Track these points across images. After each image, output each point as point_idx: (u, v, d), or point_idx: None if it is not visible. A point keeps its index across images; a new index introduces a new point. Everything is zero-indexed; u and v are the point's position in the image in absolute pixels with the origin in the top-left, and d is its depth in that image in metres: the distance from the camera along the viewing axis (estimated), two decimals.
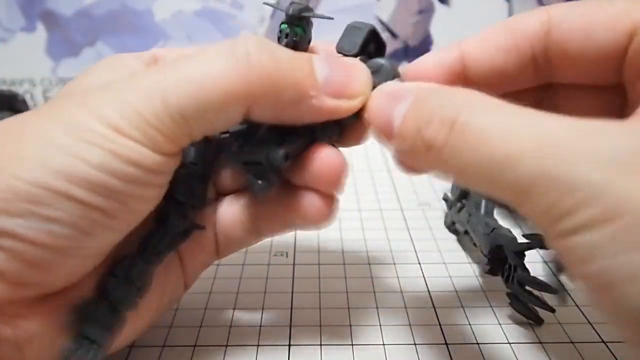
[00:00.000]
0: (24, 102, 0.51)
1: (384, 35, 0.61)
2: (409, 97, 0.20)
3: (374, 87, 0.22)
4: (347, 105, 0.21)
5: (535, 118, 0.17)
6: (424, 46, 0.61)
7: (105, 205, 0.19)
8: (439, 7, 0.60)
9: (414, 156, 0.20)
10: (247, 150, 0.22)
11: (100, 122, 0.19)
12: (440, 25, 0.60)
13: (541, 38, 0.21)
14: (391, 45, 0.61)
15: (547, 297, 0.27)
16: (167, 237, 0.23)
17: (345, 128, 0.23)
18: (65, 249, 0.19)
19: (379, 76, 0.22)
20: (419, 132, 0.19)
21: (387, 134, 0.20)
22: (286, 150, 0.21)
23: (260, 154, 0.22)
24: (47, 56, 0.61)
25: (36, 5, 0.59)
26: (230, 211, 0.25)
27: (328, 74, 0.20)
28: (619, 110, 0.22)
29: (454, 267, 0.32)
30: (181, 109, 0.19)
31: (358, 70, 0.21)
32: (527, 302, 0.27)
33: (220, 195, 0.26)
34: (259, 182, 0.22)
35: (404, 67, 0.23)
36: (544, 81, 0.23)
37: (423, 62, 0.23)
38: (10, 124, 0.20)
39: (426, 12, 0.60)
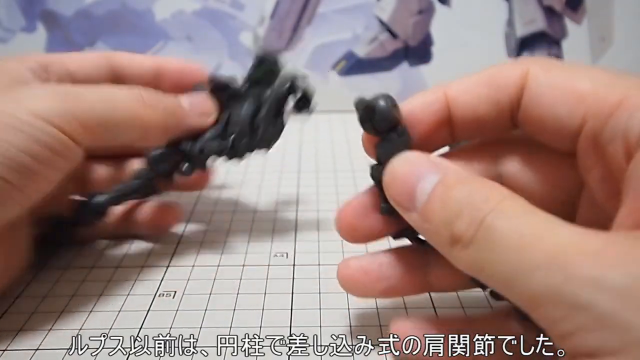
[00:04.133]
0: None
1: (384, 35, 0.62)
2: (433, 175, 0.20)
3: (374, 130, 0.23)
4: (210, 120, 0.31)
5: (550, 227, 0.17)
6: (424, 46, 0.61)
7: (18, 181, 0.24)
8: (439, 7, 0.60)
9: (435, 241, 0.20)
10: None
11: (27, 112, 0.24)
12: (440, 25, 0.60)
13: (518, 94, 0.21)
14: (391, 45, 0.61)
15: None
16: (132, 191, 0.32)
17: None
18: None
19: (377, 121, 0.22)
20: (448, 224, 0.19)
21: (405, 206, 0.21)
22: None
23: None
24: None
25: (36, 5, 0.59)
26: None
27: (190, 104, 0.31)
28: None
29: None
30: (95, 115, 0.26)
31: (206, 98, 0.32)
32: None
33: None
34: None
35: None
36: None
37: (410, 107, 0.23)
38: None
39: (426, 12, 0.60)
